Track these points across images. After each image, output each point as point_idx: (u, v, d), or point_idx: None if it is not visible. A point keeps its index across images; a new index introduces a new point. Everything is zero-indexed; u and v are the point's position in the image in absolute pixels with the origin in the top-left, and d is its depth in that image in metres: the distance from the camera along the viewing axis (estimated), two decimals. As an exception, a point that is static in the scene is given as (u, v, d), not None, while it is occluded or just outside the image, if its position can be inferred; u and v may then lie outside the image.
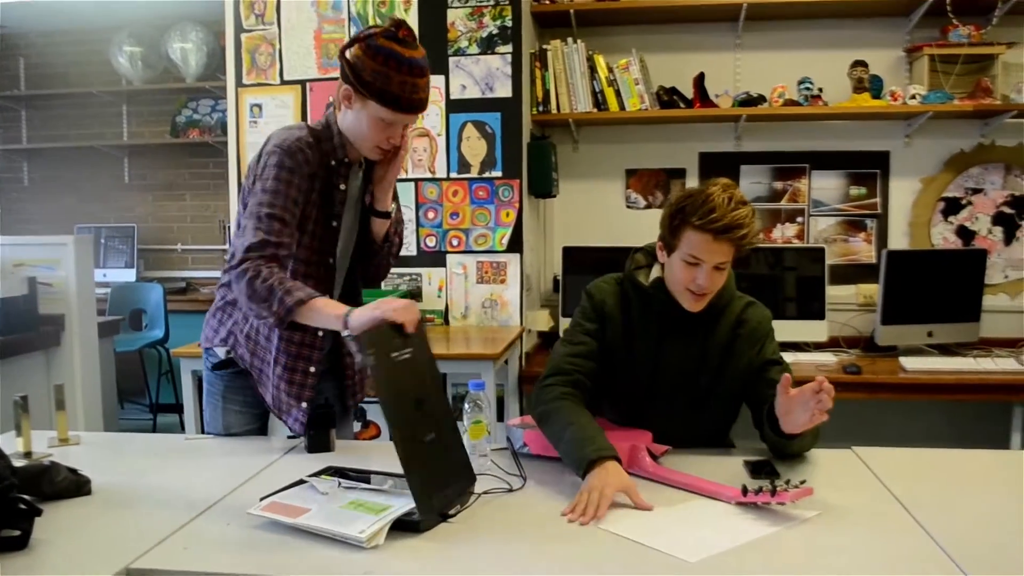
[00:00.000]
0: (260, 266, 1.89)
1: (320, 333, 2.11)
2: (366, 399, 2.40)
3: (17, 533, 1.46)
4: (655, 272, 2.10)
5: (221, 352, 2.19)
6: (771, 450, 1.99)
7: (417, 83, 1.95)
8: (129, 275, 5.83)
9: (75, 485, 1.74)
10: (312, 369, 2.13)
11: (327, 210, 2.08)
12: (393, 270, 3.75)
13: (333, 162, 2.06)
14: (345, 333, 1.81)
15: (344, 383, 2.31)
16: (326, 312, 1.86)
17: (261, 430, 2.32)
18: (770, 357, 2.07)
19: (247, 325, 2.13)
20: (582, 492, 1.67)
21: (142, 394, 5.79)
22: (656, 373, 2.08)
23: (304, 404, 2.12)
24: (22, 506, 1.48)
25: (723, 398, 2.11)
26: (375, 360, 1.58)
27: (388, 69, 1.91)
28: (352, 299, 2.22)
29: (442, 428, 1.71)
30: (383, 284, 3.81)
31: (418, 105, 1.98)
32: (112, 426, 4.39)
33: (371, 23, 3.75)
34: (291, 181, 1.96)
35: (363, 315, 1.78)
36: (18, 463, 1.70)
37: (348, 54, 1.94)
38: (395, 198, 2.27)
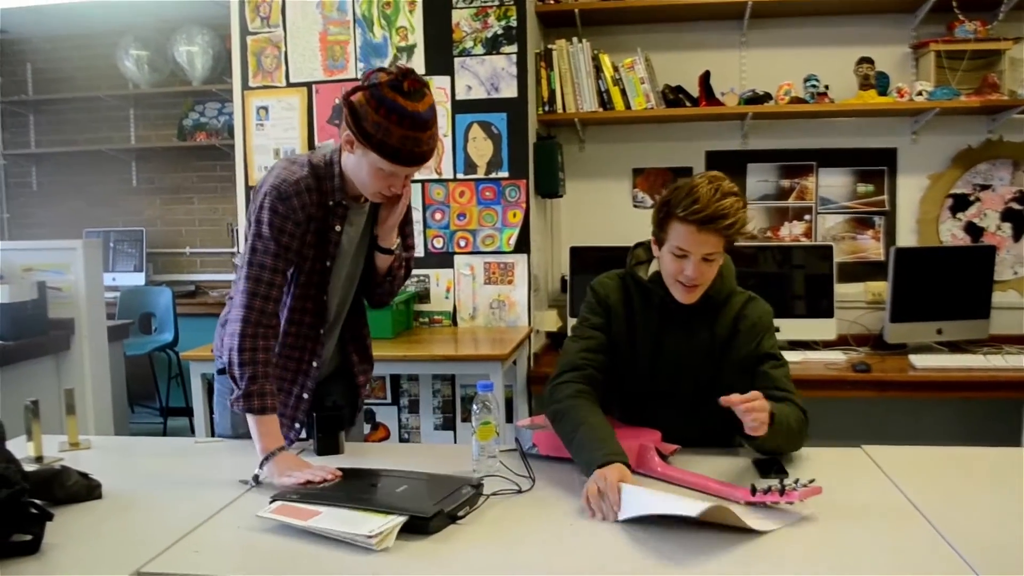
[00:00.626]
0: (247, 337, 1.93)
1: (315, 364, 2.15)
2: (375, 401, 2.41)
3: (29, 538, 1.46)
4: (654, 266, 2.12)
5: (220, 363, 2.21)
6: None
7: (420, 137, 1.89)
8: (138, 279, 5.84)
9: (86, 489, 1.75)
10: (305, 396, 2.17)
11: (320, 250, 2.07)
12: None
13: (331, 203, 2.04)
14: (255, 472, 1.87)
15: (354, 381, 2.32)
16: (260, 435, 1.91)
17: None
18: (766, 351, 2.06)
19: None
20: (588, 493, 1.67)
21: (152, 398, 5.80)
22: (656, 366, 2.09)
23: (297, 425, 2.17)
24: (33, 511, 1.49)
25: (724, 393, 2.11)
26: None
27: (390, 123, 1.86)
28: (356, 317, 2.29)
29: (399, 480, 1.75)
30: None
31: (419, 158, 1.93)
32: (122, 430, 4.40)
33: (376, 24, 3.76)
34: (283, 228, 1.96)
35: (273, 472, 1.84)
36: (29, 468, 1.71)
37: (353, 99, 1.89)
38: (409, 235, 2.28)
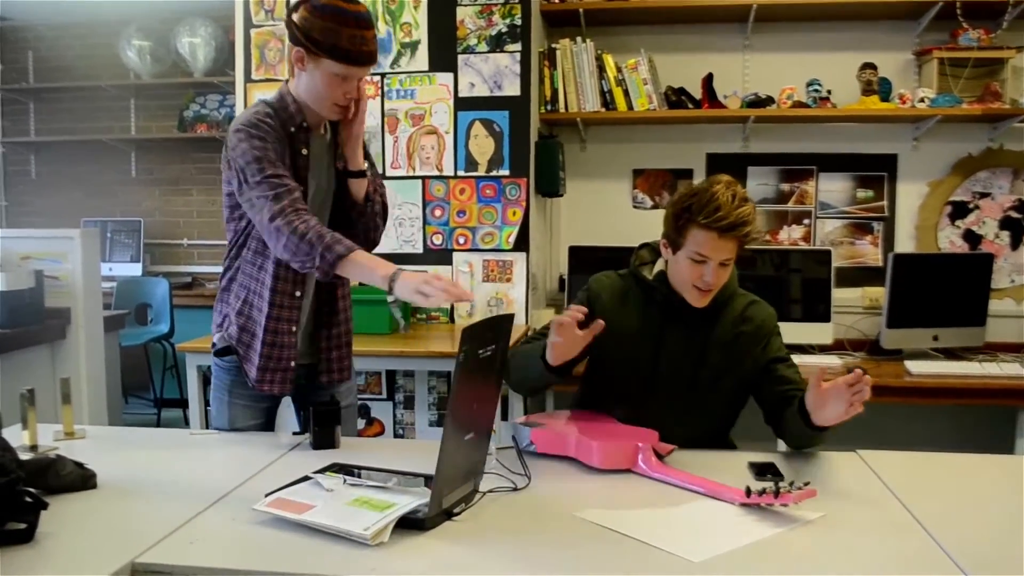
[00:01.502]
0: (292, 220, 1.97)
1: (298, 294, 2.19)
2: (370, 396, 2.44)
3: (23, 526, 1.46)
4: (659, 266, 2.15)
5: (217, 337, 2.26)
6: (792, 443, 2.03)
7: (364, 35, 2.02)
8: (135, 269, 5.83)
9: (81, 479, 1.74)
10: (294, 328, 2.21)
11: (294, 177, 2.12)
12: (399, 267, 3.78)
13: (293, 128, 2.12)
14: (390, 299, 1.89)
15: (318, 356, 2.33)
16: (370, 269, 1.97)
17: (267, 426, 2.33)
18: (776, 355, 2.09)
19: (239, 302, 2.21)
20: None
21: (146, 388, 5.80)
22: (656, 364, 2.11)
23: (292, 363, 2.21)
24: (28, 499, 1.48)
25: (725, 395, 2.12)
26: (464, 358, 1.57)
27: (336, 25, 1.98)
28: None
29: (480, 427, 1.71)
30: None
31: (368, 57, 2.05)
32: (116, 420, 4.40)
33: (380, 19, 3.75)
34: (266, 144, 2.05)
35: (408, 284, 1.90)
36: (24, 456, 1.71)
37: (295, 17, 2.02)
38: (368, 158, 2.32)
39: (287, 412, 2.46)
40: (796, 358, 3.47)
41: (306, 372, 2.33)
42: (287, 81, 2.17)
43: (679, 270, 2.04)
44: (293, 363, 2.23)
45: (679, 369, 2.10)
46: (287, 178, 2.04)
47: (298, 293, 2.20)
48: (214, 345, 2.28)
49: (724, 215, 1.93)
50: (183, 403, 5.18)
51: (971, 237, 4.04)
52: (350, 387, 2.45)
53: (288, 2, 2.06)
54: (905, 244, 4.07)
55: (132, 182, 6.17)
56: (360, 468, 1.80)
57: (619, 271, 2.21)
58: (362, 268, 1.97)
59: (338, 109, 2.12)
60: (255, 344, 2.20)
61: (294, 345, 2.22)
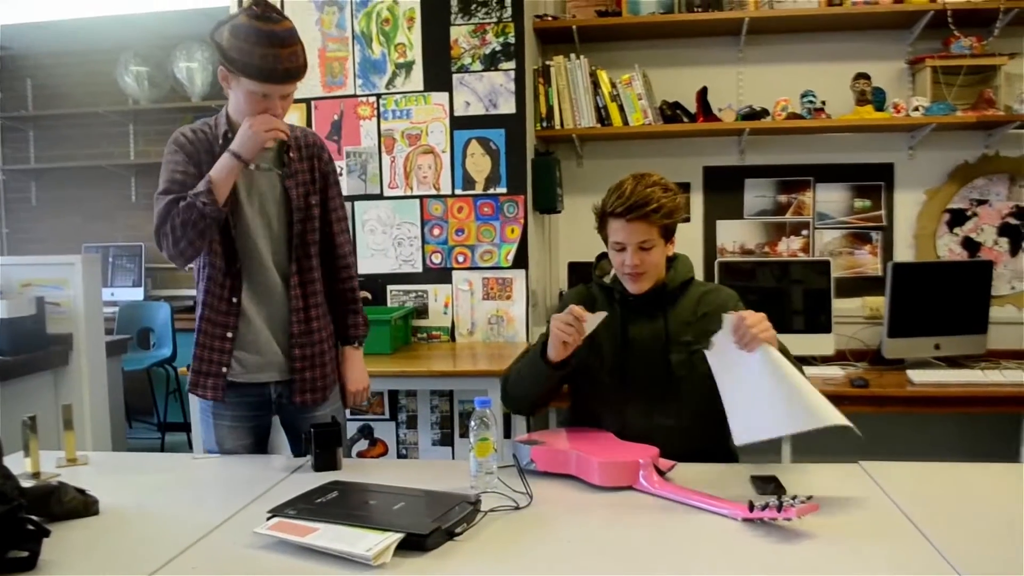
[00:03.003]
0: (170, 208, 2.12)
1: (234, 300, 2.25)
2: (373, 417, 2.46)
3: (25, 554, 1.46)
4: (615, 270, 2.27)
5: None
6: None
7: (279, 53, 2.07)
8: (137, 294, 5.85)
9: (83, 505, 1.75)
10: (228, 335, 2.26)
11: None
12: (400, 286, 3.81)
13: (221, 141, 2.21)
14: (251, 167, 2.16)
15: (292, 376, 2.34)
16: (221, 168, 2.11)
17: (258, 446, 2.36)
18: None
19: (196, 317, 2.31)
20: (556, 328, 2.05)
21: (150, 413, 5.79)
22: (624, 356, 2.18)
23: (224, 369, 2.26)
24: (30, 527, 1.48)
25: (700, 375, 2.10)
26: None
27: (250, 44, 2.06)
28: (305, 288, 2.35)
29: None
30: (389, 301, 3.83)
31: (283, 75, 2.10)
32: (120, 445, 4.39)
33: (375, 41, 3.78)
34: (176, 159, 2.19)
35: (241, 138, 2.10)
36: (26, 484, 1.71)
37: (218, 37, 2.11)
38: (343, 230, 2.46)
39: (279, 434, 2.48)
40: (797, 369, 3.51)
41: (287, 392, 2.35)
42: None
43: (612, 262, 2.19)
44: (225, 368, 2.27)
45: (650, 358, 2.17)
46: (182, 186, 2.16)
47: (234, 299, 2.25)
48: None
49: (624, 199, 2.08)
50: (187, 427, 5.18)
51: (970, 244, 4.04)
52: (337, 408, 2.46)
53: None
54: (904, 253, 4.07)
55: (132, 207, 6.19)
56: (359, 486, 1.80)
57: (587, 283, 2.37)
58: (219, 176, 2.11)
59: None
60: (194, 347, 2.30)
61: (227, 351, 2.27)
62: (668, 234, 2.15)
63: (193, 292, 2.38)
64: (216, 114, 2.29)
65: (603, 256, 2.33)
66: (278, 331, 2.31)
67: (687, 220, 2.04)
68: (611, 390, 2.19)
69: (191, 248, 2.14)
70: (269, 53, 2.06)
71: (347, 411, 2.57)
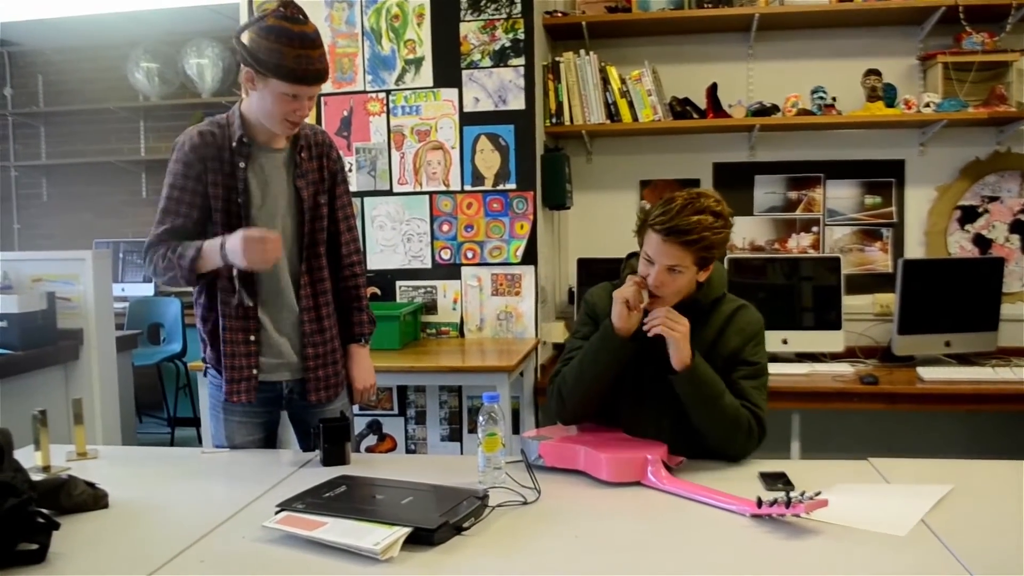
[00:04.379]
0: (157, 250, 2.18)
1: (249, 303, 2.25)
2: (381, 412, 2.46)
3: (35, 547, 1.47)
4: None
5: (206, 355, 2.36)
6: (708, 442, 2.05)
7: (311, 55, 2.08)
8: (147, 289, 5.86)
9: (93, 499, 1.75)
10: (252, 338, 2.26)
11: (230, 188, 2.21)
12: (409, 282, 3.81)
13: (233, 143, 2.21)
14: (235, 271, 2.15)
15: (306, 375, 2.34)
16: (210, 251, 2.14)
17: (268, 441, 2.36)
18: (745, 357, 2.09)
19: (201, 319, 2.33)
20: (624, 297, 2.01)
21: (160, 408, 5.81)
22: (643, 366, 2.09)
23: (255, 371, 2.26)
24: (40, 520, 1.49)
25: None
26: None
27: (281, 46, 2.04)
28: (314, 287, 2.35)
29: None
30: (398, 297, 3.84)
31: (315, 76, 2.11)
32: (130, 440, 4.41)
33: (384, 37, 3.78)
34: (177, 171, 2.20)
35: (236, 252, 2.08)
36: (36, 477, 1.72)
37: (243, 39, 2.09)
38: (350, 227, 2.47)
39: (287, 429, 2.49)
40: (808, 367, 3.52)
41: (299, 389, 2.35)
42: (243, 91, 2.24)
43: (639, 270, 2.08)
44: (255, 371, 2.27)
45: (666, 370, 2.10)
46: (180, 210, 2.20)
47: (250, 304, 2.25)
48: (205, 363, 2.35)
49: (667, 219, 1.95)
50: (196, 422, 5.19)
51: (981, 241, 4.02)
52: (346, 404, 2.47)
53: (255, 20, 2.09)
54: (915, 250, 4.05)
55: (143, 203, 6.20)
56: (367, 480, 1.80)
57: (613, 281, 2.23)
58: (207, 256, 2.15)
59: (288, 124, 2.19)
60: (220, 358, 2.28)
61: (254, 353, 2.27)
62: (704, 262, 2.04)
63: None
64: (228, 111, 2.28)
65: (633, 255, 2.22)
66: (290, 331, 2.32)
67: (725, 247, 1.99)
68: (628, 404, 2.13)
69: (172, 284, 2.25)
70: (302, 55, 2.06)
71: (355, 407, 2.57)
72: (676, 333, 1.96)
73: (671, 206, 1.96)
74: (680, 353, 1.97)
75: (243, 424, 2.31)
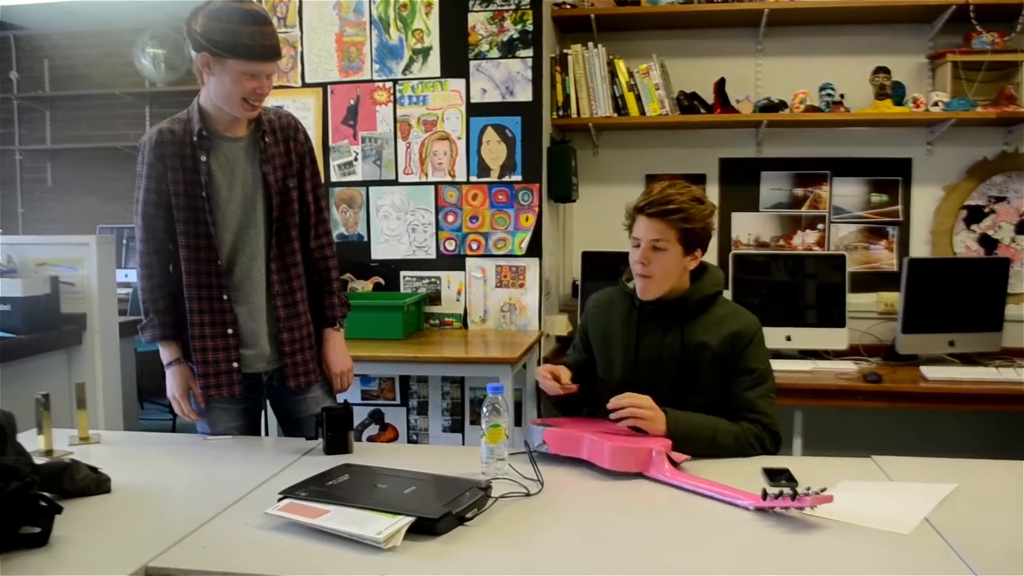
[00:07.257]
0: (142, 280, 2.31)
1: (225, 297, 2.27)
2: (384, 402, 2.47)
3: (37, 530, 1.47)
4: None
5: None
6: None
7: (264, 31, 2.09)
8: (150, 275, 5.84)
9: (95, 483, 1.75)
10: (229, 331, 2.27)
11: (193, 183, 2.21)
12: (412, 273, 3.81)
13: (194, 137, 2.21)
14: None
15: (282, 360, 2.35)
16: (163, 352, 2.34)
17: (251, 428, 2.38)
18: (745, 366, 2.12)
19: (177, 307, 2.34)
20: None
21: (162, 394, 5.77)
22: (634, 363, 2.19)
23: (235, 364, 2.27)
24: (43, 503, 1.49)
25: (708, 393, 2.12)
26: None
27: (236, 24, 2.06)
28: (284, 273, 2.34)
29: None
30: (402, 287, 3.83)
31: (271, 51, 2.12)
32: (132, 425, 4.42)
33: (392, 26, 3.77)
34: (143, 173, 2.23)
35: (169, 381, 2.32)
36: (39, 461, 1.72)
37: (195, 26, 2.09)
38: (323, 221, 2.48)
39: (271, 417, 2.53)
40: (811, 364, 3.52)
41: (278, 376, 2.35)
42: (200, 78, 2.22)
43: (630, 260, 2.18)
44: (236, 364, 2.27)
45: (659, 368, 2.16)
46: (153, 225, 2.25)
47: (225, 296, 2.26)
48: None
49: (648, 198, 2.11)
50: (197, 409, 5.19)
51: (987, 241, 4.01)
52: (327, 391, 2.46)
53: (198, 14, 2.09)
54: (920, 249, 4.04)
55: (147, 189, 6.18)
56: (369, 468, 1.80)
57: (607, 289, 2.36)
58: (161, 350, 2.35)
59: (248, 107, 2.18)
60: (192, 353, 2.29)
61: (233, 346, 2.28)
62: (689, 243, 2.11)
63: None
64: (184, 111, 2.28)
65: None
66: (263, 320, 2.32)
67: (709, 236, 2.03)
68: (616, 392, 2.12)
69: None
70: (257, 31, 2.07)
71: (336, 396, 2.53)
72: (644, 419, 1.99)
73: (652, 189, 2.15)
74: (655, 430, 1.99)
75: (225, 411, 2.33)
